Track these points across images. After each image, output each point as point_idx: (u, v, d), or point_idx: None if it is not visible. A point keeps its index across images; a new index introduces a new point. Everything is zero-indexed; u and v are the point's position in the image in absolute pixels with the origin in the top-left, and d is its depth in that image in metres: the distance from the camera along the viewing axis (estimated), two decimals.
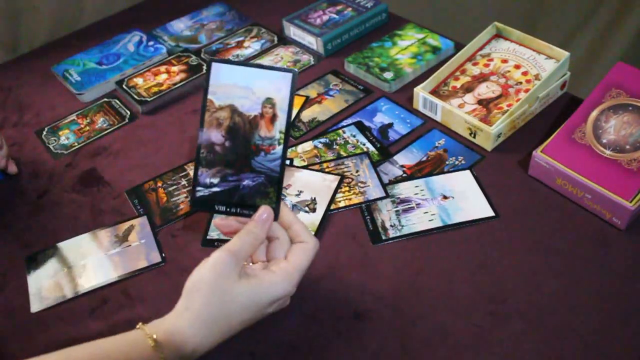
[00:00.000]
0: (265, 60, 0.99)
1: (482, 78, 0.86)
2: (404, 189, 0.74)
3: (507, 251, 0.66)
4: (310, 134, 0.85)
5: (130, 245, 0.71)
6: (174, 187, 0.79)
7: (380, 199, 0.73)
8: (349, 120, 0.86)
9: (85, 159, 0.85)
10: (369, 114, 0.87)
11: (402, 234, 0.69)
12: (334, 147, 0.82)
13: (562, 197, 0.71)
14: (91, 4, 1.14)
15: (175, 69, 0.98)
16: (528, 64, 0.86)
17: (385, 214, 0.72)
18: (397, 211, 0.72)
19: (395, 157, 0.79)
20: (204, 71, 0.96)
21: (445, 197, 0.73)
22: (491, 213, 0.70)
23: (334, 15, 1.03)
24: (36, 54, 1.09)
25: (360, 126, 0.85)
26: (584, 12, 1.52)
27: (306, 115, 0.88)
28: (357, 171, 0.77)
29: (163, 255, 0.70)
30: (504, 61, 0.87)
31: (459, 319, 0.60)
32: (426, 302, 0.62)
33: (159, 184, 0.79)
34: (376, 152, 0.80)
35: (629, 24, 1.49)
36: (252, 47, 1.03)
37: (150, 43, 1.04)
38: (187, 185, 0.79)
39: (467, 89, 0.85)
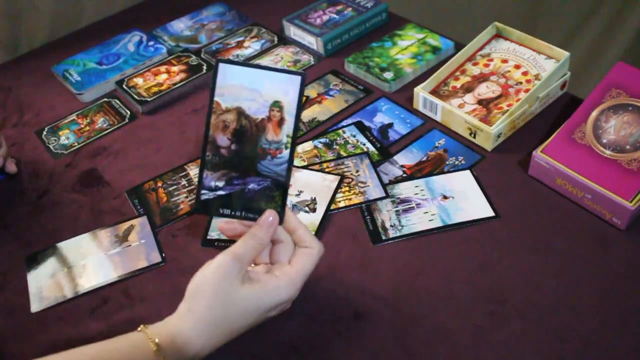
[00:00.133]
0: (265, 61, 0.99)
1: (482, 78, 0.86)
2: (404, 189, 0.74)
3: (507, 251, 0.66)
4: (310, 134, 0.85)
5: (130, 245, 0.71)
6: (174, 187, 0.79)
7: (380, 199, 0.73)
8: (349, 120, 0.86)
9: (85, 159, 0.85)
10: (369, 114, 0.87)
11: (402, 234, 0.69)
12: (334, 147, 0.82)
13: (562, 197, 0.71)
14: (91, 4, 1.14)
15: (175, 69, 0.98)
16: (528, 64, 0.86)
17: (385, 214, 0.72)
18: (397, 211, 0.72)
19: (395, 157, 0.79)
20: (204, 71, 0.97)
21: (445, 197, 0.73)
22: (491, 213, 0.70)
23: (334, 15, 1.03)
24: (36, 54, 1.09)
25: (360, 126, 0.85)
26: (584, 12, 1.52)
27: (306, 115, 0.88)
28: (357, 171, 0.77)
29: (163, 255, 0.70)
30: (504, 61, 0.87)
31: (458, 319, 0.60)
32: (426, 302, 0.62)
33: (159, 184, 0.79)
34: (376, 152, 0.80)
35: (629, 24, 1.49)
36: (252, 47, 1.03)
37: (150, 43, 1.04)
38: (187, 185, 0.79)
39: (467, 89, 0.85)
